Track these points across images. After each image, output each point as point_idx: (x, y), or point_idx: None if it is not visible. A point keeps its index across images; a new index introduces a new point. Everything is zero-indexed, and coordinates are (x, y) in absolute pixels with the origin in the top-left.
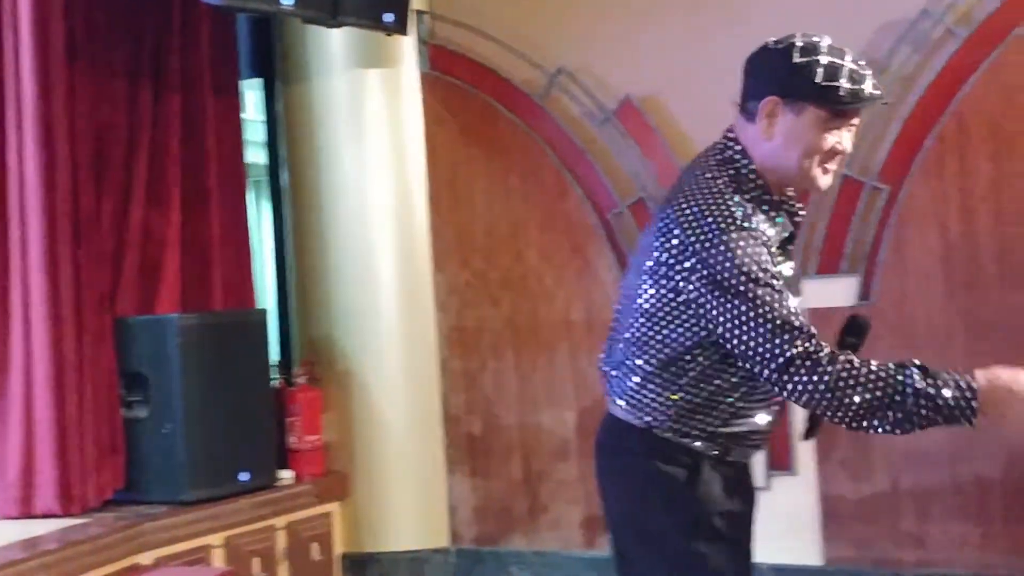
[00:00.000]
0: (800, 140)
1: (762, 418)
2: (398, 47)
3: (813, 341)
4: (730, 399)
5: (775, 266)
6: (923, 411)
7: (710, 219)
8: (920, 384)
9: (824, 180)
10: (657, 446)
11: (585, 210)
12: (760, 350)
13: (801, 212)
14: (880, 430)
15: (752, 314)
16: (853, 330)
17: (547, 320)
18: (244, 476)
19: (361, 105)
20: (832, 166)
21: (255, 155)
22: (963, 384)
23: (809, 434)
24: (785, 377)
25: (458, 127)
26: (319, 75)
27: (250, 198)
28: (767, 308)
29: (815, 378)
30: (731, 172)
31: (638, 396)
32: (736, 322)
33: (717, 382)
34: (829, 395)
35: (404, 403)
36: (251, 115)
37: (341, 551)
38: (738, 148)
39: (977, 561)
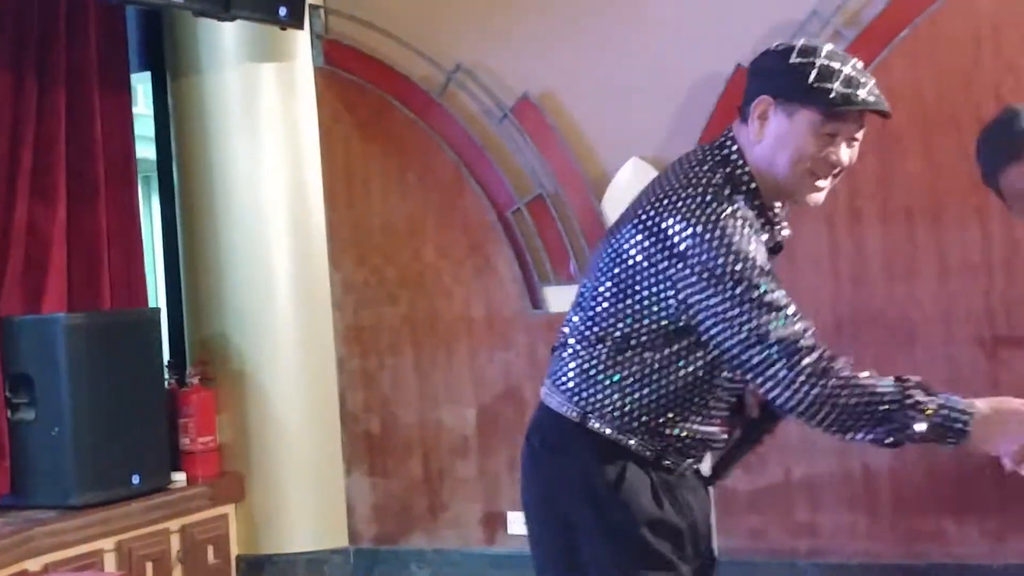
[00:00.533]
0: (790, 143)
1: (708, 426)
2: (292, 41)
3: (818, 341)
4: (674, 400)
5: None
6: (915, 427)
7: (703, 212)
8: (921, 397)
9: (815, 196)
10: (585, 441)
11: (483, 207)
12: (747, 334)
13: (786, 231)
14: (862, 438)
15: (748, 297)
16: None
17: (446, 317)
18: (136, 479)
19: (254, 100)
20: (824, 182)
21: (146, 150)
22: (959, 406)
23: (717, 474)
24: (782, 373)
25: (354, 123)
26: (211, 69)
27: (140, 194)
28: (765, 293)
29: (813, 379)
30: (727, 170)
31: (577, 385)
32: (727, 307)
33: (662, 380)
34: (817, 389)
35: (300, 402)
36: (141, 109)
37: (237, 553)
38: (735, 148)
39: (867, 549)
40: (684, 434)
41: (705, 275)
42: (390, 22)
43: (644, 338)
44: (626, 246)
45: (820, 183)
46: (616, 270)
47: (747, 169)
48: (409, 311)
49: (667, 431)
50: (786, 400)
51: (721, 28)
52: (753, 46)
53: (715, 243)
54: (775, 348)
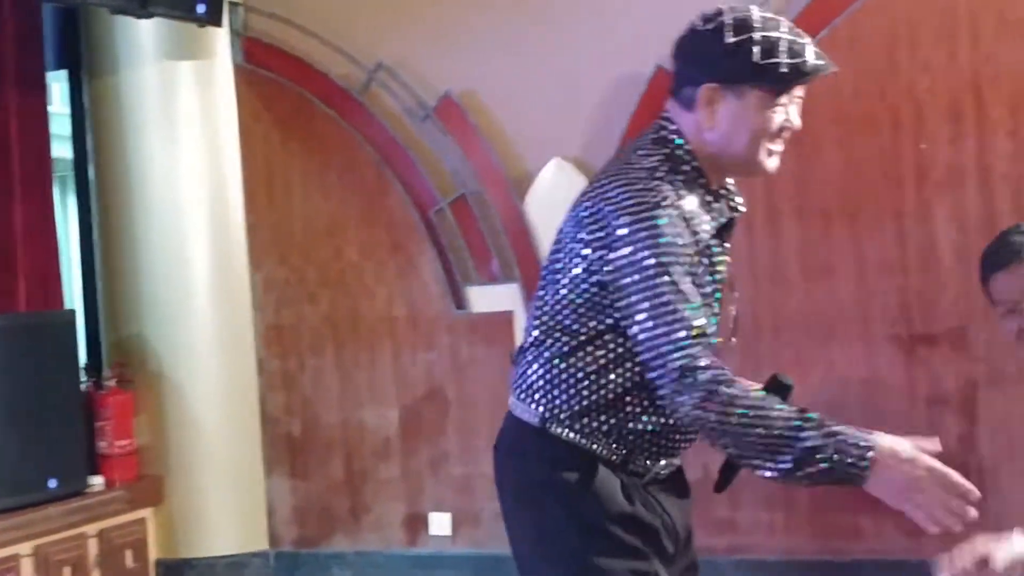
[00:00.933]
0: (747, 125)
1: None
2: (211, 39)
3: (706, 350)
4: (637, 395)
5: (712, 257)
6: (810, 469)
7: (636, 200)
8: (816, 441)
9: (771, 162)
10: (548, 448)
11: (406, 207)
12: (660, 345)
13: (741, 205)
14: (767, 473)
15: (662, 301)
16: (775, 390)
17: (368, 317)
18: (53, 483)
19: (173, 98)
20: (779, 147)
21: (62, 149)
22: (859, 443)
23: (721, 485)
24: (677, 386)
25: (274, 122)
26: (128, 67)
27: (56, 193)
28: (676, 304)
29: (708, 396)
30: (665, 152)
31: (537, 387)
32: (644, 307)
33: (626, 374)
34: (717, 420)
35: (220, 404)
36: (57, 108)
37: (156, 557)
38: (672, 128)
39: (784, 546)
40: (650, 428)
41: (627, 269)
42: (310, 19)
43: (594, 334)
44: (566, 240)
45: (776, 148)
46: (558, 266)
47: (688, 148)
48: (331, 311)
49: (631, 426)
50: (690, 422)
51: (642, 29)
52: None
53: (642, 236)
54: (670, 360)
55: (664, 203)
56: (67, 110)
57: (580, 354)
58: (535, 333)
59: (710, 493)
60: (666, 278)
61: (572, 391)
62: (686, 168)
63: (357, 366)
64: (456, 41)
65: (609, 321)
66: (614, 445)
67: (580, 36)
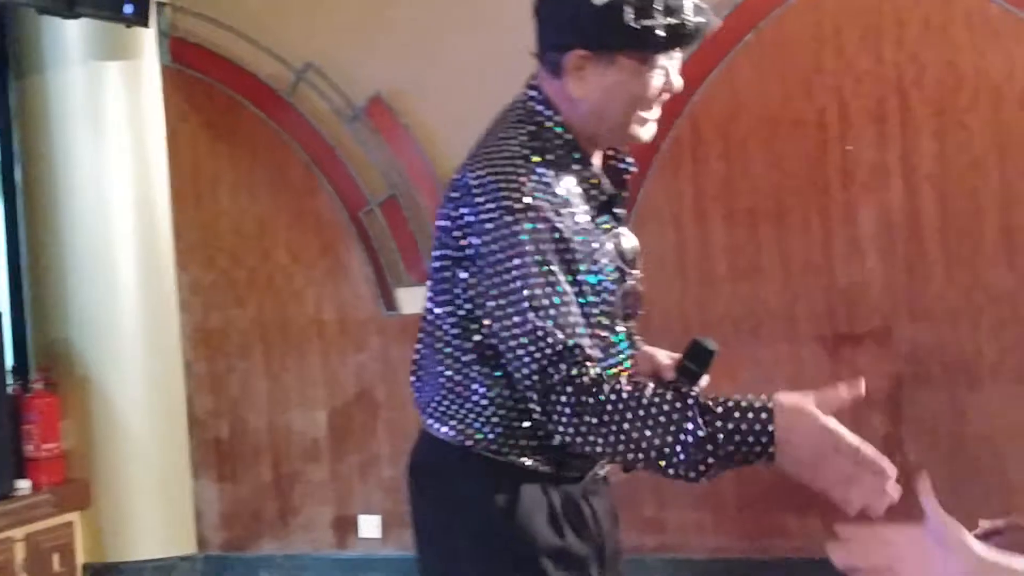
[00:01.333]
0: (619, 92)
1: None
2: (138, 39)
3: (581, 365)
4: None
5: (599, 238)
6: (708, 460)
7: (499, 188)
8: (702, 432)
9: (646, 132)
10: (471, 467)
11: (335, 208)
12: (521, 355)
13: (630, 166)
14: (670, 473)
15: (521, 308)
16: (695, 355)
17: (297, 320)
18: None
19: (99, 99)
20: (655, 113)
21: None
22: (754, 416)
23: (686, 375)
24: (544, 402)
25: (201, 122)
26: (55, 67)
27: None
28: (540, 310)
29: (577, 410)
30: (532, 129)
31: (448, 401)
32: (503, 314)
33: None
34: (595, 431)
35: (147, 407)
36: None
37: (83, 561)
38: (540, 98)
39: (712, 544)
40: None
41: (490, 275)
42: (237, 19)
43: (486, 331)
44: (440, 235)
45: (652, 115)
46: (436, 264)
47: (558, 120)
48: (258, 313)
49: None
50: (571, 438)
51: None
52: None
53: (502, 229)
54: (545, 390)
55: (531, 191)
56: None
57: (484, 360)
58: (427, 341)
59: (638, 492)
60: (531, 280)
61: (480, 401)
62: (556, 143)
63: (286, 369)
64: (385, 40)
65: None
66: (542, 455)
67: (512, 35)
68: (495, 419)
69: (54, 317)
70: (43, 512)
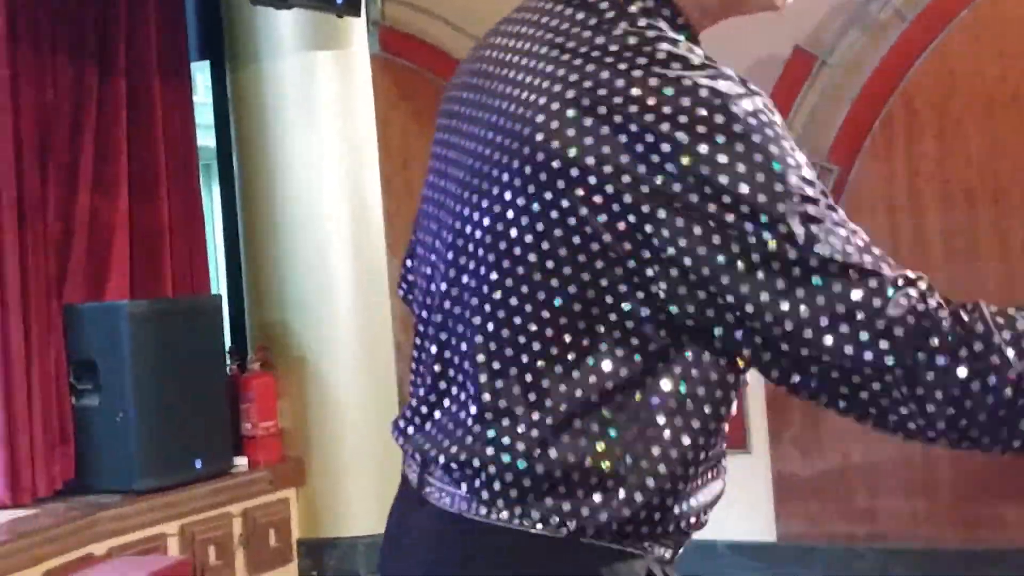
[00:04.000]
0: None
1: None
2: (349, 29)
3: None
4: (708, 440)
5: None
6: None
7: (656, 66)
8: None
9: None
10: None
11: None
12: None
13: None
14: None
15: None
16: None
17: None
18: (198, 463)
19: (311, 88)
20: None
21: (206, 138)
22: None
23: None
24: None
25: (411, 110)
26: (269, 57)
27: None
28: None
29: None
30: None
31: (524, 473)
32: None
33: (706, 408)
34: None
35: (359, 388)
36: (201, 98)
37: (298, 537)
38: None
39: (927, 534)
40: (711, 497)
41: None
42: (445, 8)
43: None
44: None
45: None
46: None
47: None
48: None
49: (695, 503)
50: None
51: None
52: (812, 28)
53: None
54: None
55: (705, 65)
56: (210, 100)
57: (608, 403)
58: (487, 373)
59: (850, 481)
60: (784, 159)
61: (600, 468)
62: (680, 23)
63: None
64: None
65: (643, 313)
66: (669, 535)
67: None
68: (616, 482)
69: (270, 300)
70: (260, 488)
